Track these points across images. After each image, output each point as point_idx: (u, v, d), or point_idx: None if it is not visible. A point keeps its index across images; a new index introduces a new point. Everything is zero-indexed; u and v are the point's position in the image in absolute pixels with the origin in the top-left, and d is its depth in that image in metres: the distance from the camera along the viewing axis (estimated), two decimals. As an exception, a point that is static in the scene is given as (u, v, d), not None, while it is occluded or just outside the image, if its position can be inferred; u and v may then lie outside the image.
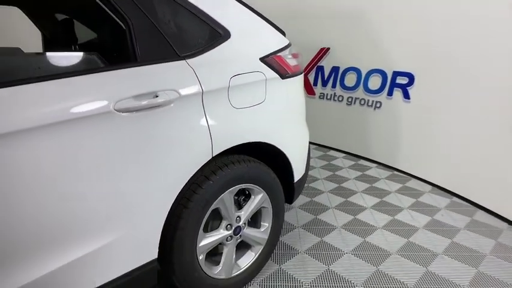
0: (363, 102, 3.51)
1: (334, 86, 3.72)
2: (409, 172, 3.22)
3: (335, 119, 3.79)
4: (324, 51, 3.72)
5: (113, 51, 1.38)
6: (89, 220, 1.15)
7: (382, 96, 3.34)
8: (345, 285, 1.80)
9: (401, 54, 3.12)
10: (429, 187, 2.99)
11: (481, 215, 2.55)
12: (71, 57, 1.20)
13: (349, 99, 3.62)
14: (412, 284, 1.80)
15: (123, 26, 1.27)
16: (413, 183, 3.05)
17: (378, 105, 3.39)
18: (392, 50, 3.17)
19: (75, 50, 2.17)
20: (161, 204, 1.33)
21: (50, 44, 2.31)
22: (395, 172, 3.30)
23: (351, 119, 3.65)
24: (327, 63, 3.74)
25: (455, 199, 2.80)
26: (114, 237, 1.22)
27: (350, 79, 3.58)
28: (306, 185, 2.96)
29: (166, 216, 1.35)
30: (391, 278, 1.84)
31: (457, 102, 2.73)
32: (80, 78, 1.09)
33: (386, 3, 3.11)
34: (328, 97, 3.80)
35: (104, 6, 1.24)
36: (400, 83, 3.16)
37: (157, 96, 1.23)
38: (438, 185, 2.98)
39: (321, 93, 3.86)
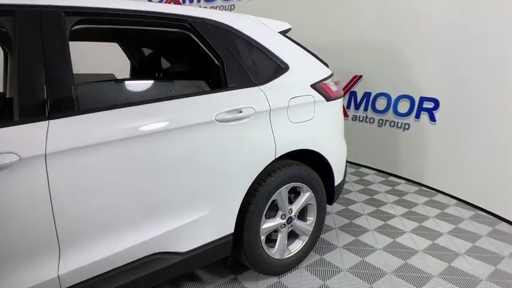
0: (392, 124, 3.90)
1: (366, 109, 4.14)
2: (435, 187, 3.53)
3: (366, 139, 4.18)
4: (356, 78, 4.17)
5: (200, 78, 1.89)
6: (193, 198, 1.63)
7: (410, 119, 3.71)
8: (377, 272, 2.16)
9: (427, 81, 3.51)
10: (454, 201, 3.29)
11: (503, 226, 2.83)
12: (189, 84, 1.72)
13: (380, 121, 4.01)
14: (437, 273, 2.14)
15: (217, 62, 1.79)
16: (439, 197, 3.36)
17: (407, 126, 3.76)
18: (419, 78, 3.57)
19: (159, 78, 2.73)
20: (239, 191, 1.79)
21: (137, 71, 2.90)
22: (423, 188, 3.61)
23: (381, 139, 4.02)
24: (359, 89, 4.17)
25: (479, 212, 3.08)
26: (207, 212, 1.69)
27: (381, 103, 3.98)
28: (340, 195, 3.35)
29: (241, 201, 1.81)
30: (417, 270, 2.18)
31: (478, 123, 3.07)
32: (194, 97, 1.61)
33: (414, 37, 3.54)
34: (361, 119, 4.21)
35: (205, 49, 1.77)
36: (427, 107, 3.53)
37: (241, 112, 1.72)
38: (463, 199, 3.27)
39: (353, 116, 4.27)
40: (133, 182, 1.44)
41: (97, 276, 1.42)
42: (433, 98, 3.47)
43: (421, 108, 3.60)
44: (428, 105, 3.53)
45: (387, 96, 3.91)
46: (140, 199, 1.48)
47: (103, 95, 1.51)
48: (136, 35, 2.32)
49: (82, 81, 2.13)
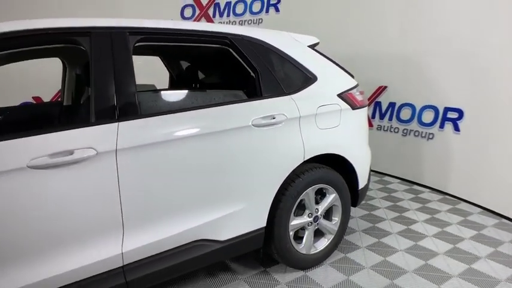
0: (417, 133, 4.00)
1: (390, 119, 4.26)
2: (459, 196, 3.60)
3: (391, 148, 4.29)
4: (381, 89, 4.31)
5: (236, 89, 2.13)
6: (232, 193, 1.85)
7: (435, 129, 3.81)
8: (398, 270, 2.29)
9: (452, 92, 3.61)
10: (478, 209, 3.35)
11: (526, 234, 2.88)
12: (229, 93, 1.96)
13: (404, 131, 4.13)
14: (456, 273, 2.25)
15: (253, 74, 2.02)
16: (463, 206, 3.43)
17: (431, 136, 3.86)
18: (444, 88, 3.68)
19: (196, 88, 3.00)
20: (271, 189, 1.99)
21: (176, 82, 3.19)
22: (447, 196, 3.69)
23: (405, 148, 4.13)
24: (384, 99, 4.31)
25: (503, 220, 3.14)
26: (243, 206, 1.90)
27: (405, 113, 4.10)
28: (363, 202, 3.48)
29: (272, 198, 2.01)
30: (437, 269, 2.30)
31: (502, 132, 3.15)
32: (234, 105, 1.84)
33: (439, 48, 3.66)
34: (385, 129, 4.33)
35: (242, 62, 2.01)
36: (451, 117, 3.63)
37: (274, 118, 1.94)
38: (487, 207, 3.33)
39: (378, 125, 4.41)
40: (184, 177, 1.68)
41: (151, 256, 1.66)
42: (458, 108, 3.57)
43: (445, 118, 3.70)
44: (452, 115, 3.63)
45: (412, 106, 4.03)
46: (190, 192, 1.72)
47: (159, 102, 1.77)
48: (179, 50, 2.60)
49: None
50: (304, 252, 2.25)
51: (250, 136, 1.86)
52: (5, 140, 1.33)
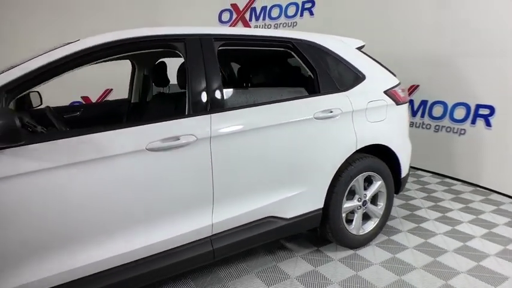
0: (448, 129, 4.20)
1: (422, 116, 4.47)
2: (491, 188, 3.78)
3: (423, 144, 4.48)
4: (413, 88, 4.52)
5: (294, 85, 2.42)
6: (296, 176, 2.14)
7: (466, 125, 4.00)
8: (439, 250, 2.53)
9: (483, 90, 3.80)
10: (510, 199, 3.53)
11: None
12: (293, 90, 2.26)
13: (436, 127, 4.33)
14: (493, 253, 2.47)
15: (311, 74, 2.30)
16: (495, 196, 3.62)
17: (463, 132, 4.05)
18: (475, 87, 3.87)
19: (247, 87, 3.30)
20: (328, 174, 2.27)
21: (227, 83, 3.50)
22: (478, 188, 3.87)
23: (437, 143, 4.33)
24: (416, 97, 4.52)
25: (535, 210, 3.32)
26: (305, 189, 2.19)
27: (437, 110, 4.30)
28: (400, 193, 3.71)
29: (329, 183, 2.29)
30: (476, 249, 2.52)
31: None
32: (299, 100, 2.13)
33: (470, 47, 3.86)
34: (417, 125, 4.54)
35: (302, 63, 2.29)
36: (483, 113, 3.82)
37: (331, 112, 2.21)
38: (519, 198, 3.51)
39: (410, 122, 4.60)
40: (261, 161, 1.98)
41: (233, 228, 1.96)
42: (489, 105, 3.75)
43: (477, 115, 3.89)
44: (484, 111, 3.81)
45: (443, 104, 4.23)
46: (264, 174, 2.02)
47: (238, 97, 2.07)
48: (249, 53, 2.91)
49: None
50: (354, 232, 2.51)
51: (312, 127, 2.14)
52: (124, 127, 1.65)
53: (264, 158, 1.99)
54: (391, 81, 2.66)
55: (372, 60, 2.66)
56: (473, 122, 3.93)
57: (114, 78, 4.56)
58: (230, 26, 5.82)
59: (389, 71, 2.76)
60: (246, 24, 5.70)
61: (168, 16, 5.68)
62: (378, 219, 2.64)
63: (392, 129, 2.59)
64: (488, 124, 3.78)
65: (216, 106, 1.87)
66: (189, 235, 1.83)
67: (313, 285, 2.16)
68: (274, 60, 2.86)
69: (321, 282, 2.20)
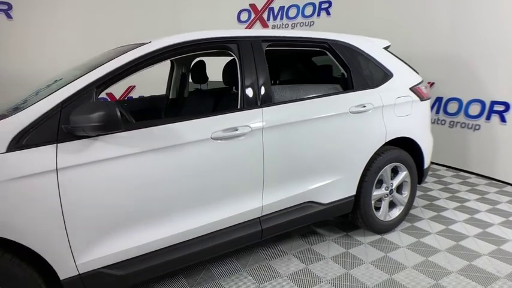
0: (463, 125, 4.39)
1: (438, 112, 4.66)
2: (505, 180, 3.97)
3: (438, 138, 4.63)
4: (429, 85, 4.70)
5: (328, 82, 2.62)
6: (333, 165, 2.35)
7: (481, 120, 4.19)
8: (461, 236, 2.73)
9: (498, 87, 3.98)
10: (524, 192, 3.73)
11: None
12: (331, 87, 2.47)
13: (451, 123, 4.52)
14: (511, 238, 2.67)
15: (344, 71, 2.51)
16: (510, 188, 3.81)
17: (477, 127, 4.24)
18: (490, 84, 4.05)
19: (275, 84, 3.51)
20: (361, 164, 2.48)
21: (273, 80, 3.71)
22: (493, 181, 4.07)
23: (452, 138, 4.52)
24: (431, 94, 4.69)
25: (547, 201, 3.51)
26: (341, 177, 2.40)
27: (452, 107, 4.49)
28: (418, 185, 3.90)
29: (361, 172, 2.50)
30: (496, 235, 2.72)
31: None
32: (335, 96, 2.34)
33: (484, 46, 4.04)
34: (432, 121, 4.72)
35: (336, 62, 2.50)
36: (497, 109, 4.01)
37: (364, 106, 2.42)
38: (532, 190, 3.70)
39: (425, 118, 4.80)
40: (304, 151, 2.19)
41: (279, 210, 2.18)
42: (504, 102, 3.94)
43: (491, 111, 4.08)
44: (499, 108, 4.00)
45: (458, 100, 4.42)
46: (306, 162, 2.23)
47: (283, 93, 2.28)
48: (288, 53, 3.14)
49: (217, 86, 2.99)
50: (382, 219, 2.72)
51: (348, 120, 2.35)
52: (190, 119, 1.87)
53: (305, 148, 2.20)
54: (415, 78, 2.86)
55: (397, 59, 2.86)
56: (488, 117, 4.12)
57: (137, 75, 4.77)
58: (248, 25, 6.03)
59: (413, 69, 2.96)
60: (264, 24, 5.91)
61: (189, 17, 5.89)
62: (403, 207, 2.85)
63: (417, 123, 2.79)
64: (503, 120, 3.97)
65: (266, 100, 2.08)
66: (243, 215, 2.05)
67: (348, 264, 2.38)
68: (309, 59, 3.07)
69: (354, 261, 2.41)
